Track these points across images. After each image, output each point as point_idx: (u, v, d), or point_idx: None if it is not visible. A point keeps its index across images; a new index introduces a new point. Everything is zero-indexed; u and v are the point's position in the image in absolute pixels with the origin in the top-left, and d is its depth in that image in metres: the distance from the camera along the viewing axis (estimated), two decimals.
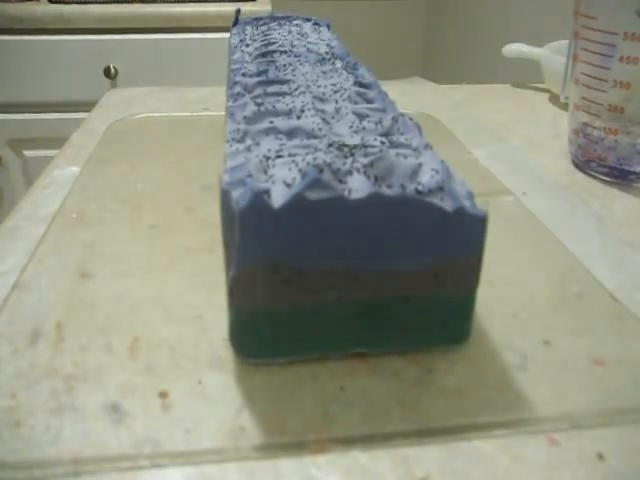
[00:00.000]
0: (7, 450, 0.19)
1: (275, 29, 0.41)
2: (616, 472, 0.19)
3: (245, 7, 1.11)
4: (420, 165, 0.22)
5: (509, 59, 0.63)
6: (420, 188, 0.20)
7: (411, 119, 0.26)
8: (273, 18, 0.44)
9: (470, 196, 0.21)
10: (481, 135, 0.46)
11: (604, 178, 0.40)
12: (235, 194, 0.20)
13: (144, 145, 0.43)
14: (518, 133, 0.48)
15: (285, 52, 0.35)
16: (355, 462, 0.19)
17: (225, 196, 0.20)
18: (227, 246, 0.21)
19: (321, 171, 0.20)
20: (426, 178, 0.21)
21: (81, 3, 1.10)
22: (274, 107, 0.26)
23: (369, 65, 0.34)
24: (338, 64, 0.33)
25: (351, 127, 0.25)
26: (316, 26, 0.43)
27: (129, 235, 0.31)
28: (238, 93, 0.29)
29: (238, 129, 0.25)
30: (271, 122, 0.25)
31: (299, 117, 0.25)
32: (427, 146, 0.24)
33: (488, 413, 0.21)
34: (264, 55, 0.34)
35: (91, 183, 0.37)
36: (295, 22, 0.43)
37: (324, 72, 0.31)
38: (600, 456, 0.19)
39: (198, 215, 0.33)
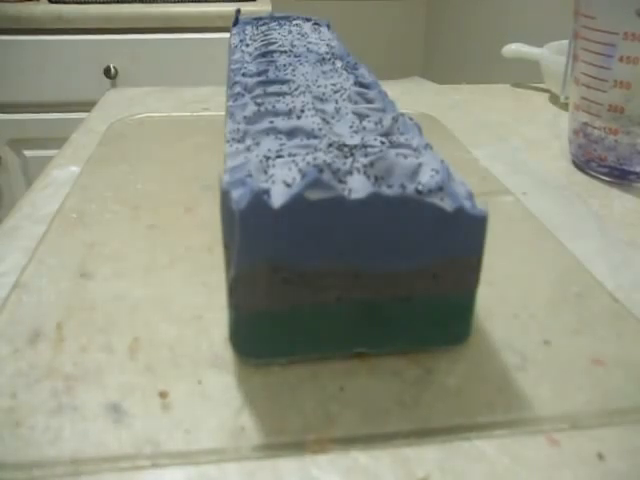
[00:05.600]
0: (7, 450, 0.19)
1: (275, 29, 0.41)
2: (616, 472, 0.19)
3: (245, 7, 1.11)
4: (420, 165, 0.22)
5: (509, 59, 0.62)
6: (420, 188, 0.20)
7: (411, 119, 0.26)
8: (273, 18, 0.44)
9: (470, 196, 0.21)
10: (481, 135, 0.46)
11: (604, 178, 0.40)
12: (235, 194, 0.20)
13: (144, 145, 0.43)
14: (518, 133, 0.48)
15: (285, 52, 0.34)
16: (355, 462, 0.19)
17: (225, 196, 0.20)
18: (227, 246, 0.21)
19: (321, 171, 0.20)
20: (426, 178, 0.21)
21: (81, 3, 1.10)
22: (274, 107, 0.26)
23: (369, 65, 0.34)
24: (338, 64, 0.33)
25: (351, 127, 0.25)
26: (316, 26, 0.43)
27: (129, 235, 0.31)
28: (238, 93, 0.29)
29: (238, 129, 0.25)
30: (271, 122, 0.25)
31: (299, 117, 0.25)
32: (427, 146, 0.24)
33: (488, 413, 0.21)
34: (264, 55, 0.34)
35: (91, 183, 0.37)
36: (295, 22, 0.43)
37: (324, 72, 0.31)
38: (600, 456, 0.19)
39: (198, 215, 0.33)
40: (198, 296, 0.26)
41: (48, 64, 1.11)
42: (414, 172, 0.21)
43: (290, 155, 0.22)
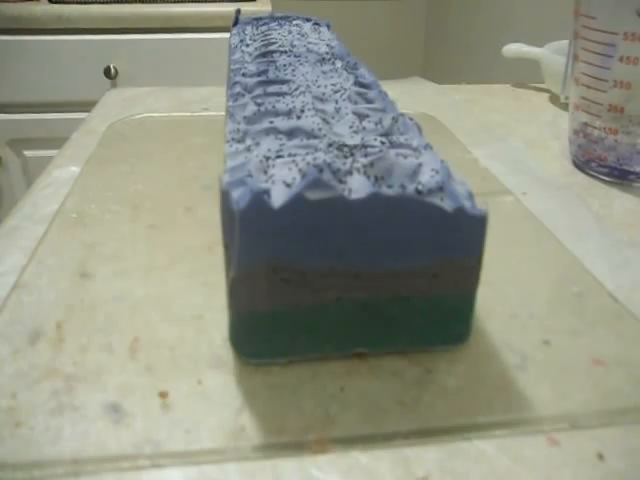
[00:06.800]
0: (7, 450, 0.19)
1: (275, 29, 0.41)
2: (616, 472, 0.19)
3: (245, 7, 1.11)
4: (420, 165, 0.22)
5: (509, 59, 0.62)
6: (420, 188, 0.20)
7: (411, 119, 0.26)
8: (273, 18, 0.44)
9: (470, 196, 0.21)
10: (481, 135, 0.45)
11: (604, 178, 0.40)
12: (235, 194, 0.20)
13: (144, 145, 0.43)
14: (518, 133, 0.48)
15: (285, 52, 0.35)
16: (355, 462, 0.19)
17: (225, 196, 0.20)
18: (227, 246, 0.21)
19: (321, 171, 0.20)
20: (426, 178, 0.21)
21: (81, 3, 1.10)
22: (274, 107, 0.26)
23: (369, 65, 0.34)
24: (338, 64, 0.33)
25: (351, 127, 0.25)
26: (316, 26, 0.43)
27: (129, 235, 0.31)
28: (238, 93, 0.29)
29: (238, 129, 0.25)
30: (271, 122, 0.25)
31: (299, 117, 0.25)
32: (427, 146, 0.24)
33: (488, 413, 0.21)
34: (264, 55, 0.34)
35: (91, 183, 0.37)
36: (295, 22, 0.43)
37: (324, 72, 0.31)
38: (600, 456, 0.19)
39: (198, 215, 0.33)
40: (198, 296, 0.26)
41: (48, 64, 1.11)
42: (414, 172, 0.21)
43: (290, 155, 0.22)
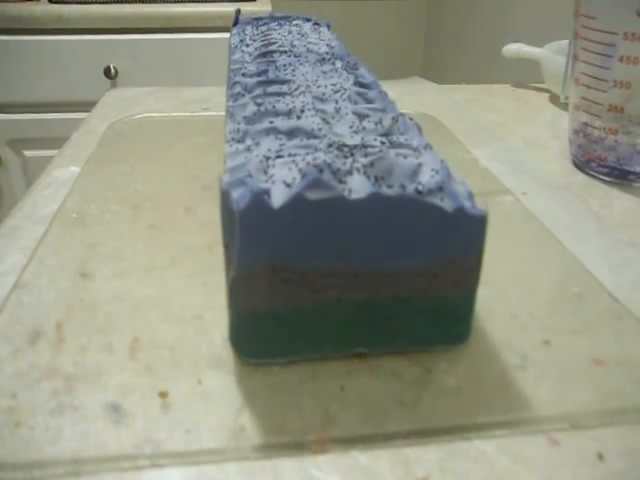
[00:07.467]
0: (7, 450, 0.19)
1: (275, 29, 0.41)
2: (616, 472, 0.19)
3: (245, 7, 1.11)
4: (420, 165, 0.22)
5: (509, 59, 0.62)
6: (420, 188, 0.20)
7: (411, 119, 0.26)
8: (273, 18, 0.44)
9: (470, 196, 0.21)
10: (481, 135, 0.45)
11: (604, 178, 0.40)
12: (235, 194, 0.20)
13: (144, 145, 0.43)
14: (518, 133, 0.48)
15: (285, 52, 0.35)
16: (355, 462, 0.19)
17: (225, 196, 0.20)
18: (227, 246, 0.21)
19: (321, 171, 0.20)
20: (426, 178, 0.21)
21: (81, 3, 1.10)
22: (274, 107, 0.26)
23: (369, 65, 0.34)
24: (338, 64, 0.33)
25: (351, 127, 0.25)
26: (316, 26, 0.43)
27: (129, 235, 0.31)
28: (238, 93, 0.29)
29: (238, 129, 0.25)
30: (271, 122, 0.25)
31: (299, 117, 0.25)
32: (427, 146, 0.24)
33: (488, 413, 0.21)
34: (264, 55, 0.34)
35: (91, 183, 0.37)
36: (295, 22, 0.43)
37: (324, 72, 0.31)
38: (600, 456, 0.19)
39: (198, 215, 0.33)
40: (198, 296, 0.26)
41: (48, 64, 1.11)
42: (414, 172, 0.21)
43: (290, 155, 0.22)
